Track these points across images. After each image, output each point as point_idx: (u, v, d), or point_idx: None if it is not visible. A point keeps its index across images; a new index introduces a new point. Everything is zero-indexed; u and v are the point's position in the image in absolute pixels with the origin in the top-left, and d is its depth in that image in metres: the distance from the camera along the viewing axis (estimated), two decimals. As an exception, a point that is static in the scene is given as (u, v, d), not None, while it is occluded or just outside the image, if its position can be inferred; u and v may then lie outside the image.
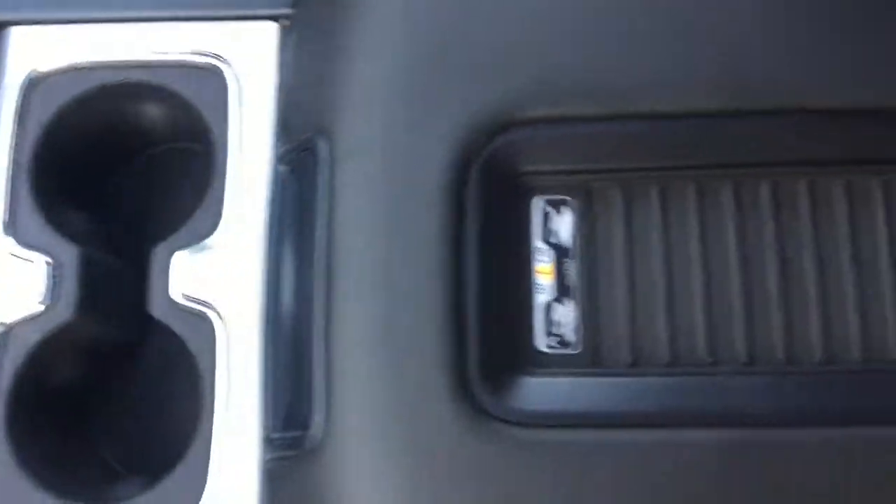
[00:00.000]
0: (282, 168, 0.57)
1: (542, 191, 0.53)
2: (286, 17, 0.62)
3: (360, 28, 0.55)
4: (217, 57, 0.64)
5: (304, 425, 0.50)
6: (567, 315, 0.52)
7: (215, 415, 0.55)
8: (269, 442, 0.53)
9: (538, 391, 0.50)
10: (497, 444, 0.48)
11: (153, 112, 0.66)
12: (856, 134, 0.53)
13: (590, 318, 0.52)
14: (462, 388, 0.48)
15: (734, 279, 0.52)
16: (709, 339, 0.51)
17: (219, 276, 0.58)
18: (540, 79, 0.53)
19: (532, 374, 0.50)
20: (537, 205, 0.53)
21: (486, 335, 0.49)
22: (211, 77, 0.63)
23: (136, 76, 0.63)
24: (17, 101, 0.61)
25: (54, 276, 0.57)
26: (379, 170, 0.51)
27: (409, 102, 0.52)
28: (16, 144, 0.61)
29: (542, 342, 0.52)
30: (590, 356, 0.51)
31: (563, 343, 0.52)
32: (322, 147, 0.53)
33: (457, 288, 0.50)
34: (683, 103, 0.52)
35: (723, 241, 0.53)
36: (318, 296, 0.50)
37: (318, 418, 0.49)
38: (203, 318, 0.57)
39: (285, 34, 0.62)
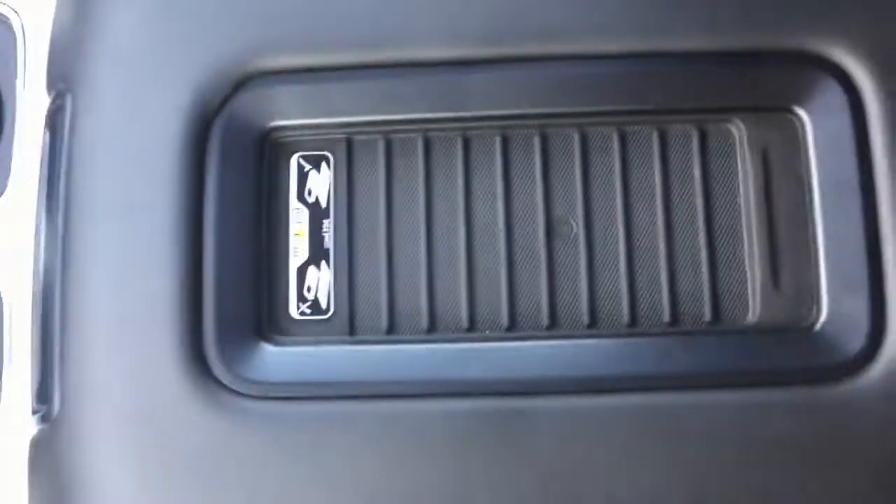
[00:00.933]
0: (45, 125, 0.54)
1: (299, 147, 0.50)
2: (65, -40, 0.58)
3: None
4: (6, 5, 0.60)
5: (50, 398, 0.48)
6: (322, 279, 0.49)
7: (3, 388, 0.54)
8: (33, 414, 0.51)
9: (281, 360, 0.48)
10: (231, 417, 0.46)
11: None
12: (629, 82, 0.48)
13: (345, 282, 0.49)
14: (196, 358, 0.46)
15: (499, 240, 0.49)
16: (470, 303, 0.48)
17: (4, 242, 0.56)
18: (282, 26, 0.49)
19: (276, 342, 0.48)
20: (294, 162, 0.50)
21: (226, 302, 0.47)
22: (1, 27, 0.60)
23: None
24: None
25: None
26: (115, 127, 0.49)
27: (147, 57, 0.49)
28: None
29: (293, 308, 0.49)
30: (344, 322, 0.49)
31: (316, 308, 0.49)
32: (67, 102, 0.50)
33: (194, 253, 0.47)
34: (442, 51, 0.48)
35: (489, 200, 0.49)
36: (58, 262, 0.49)
37: (56, 391, 0.48)
38: None
39: (62, -20, 0.58)
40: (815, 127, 0.47)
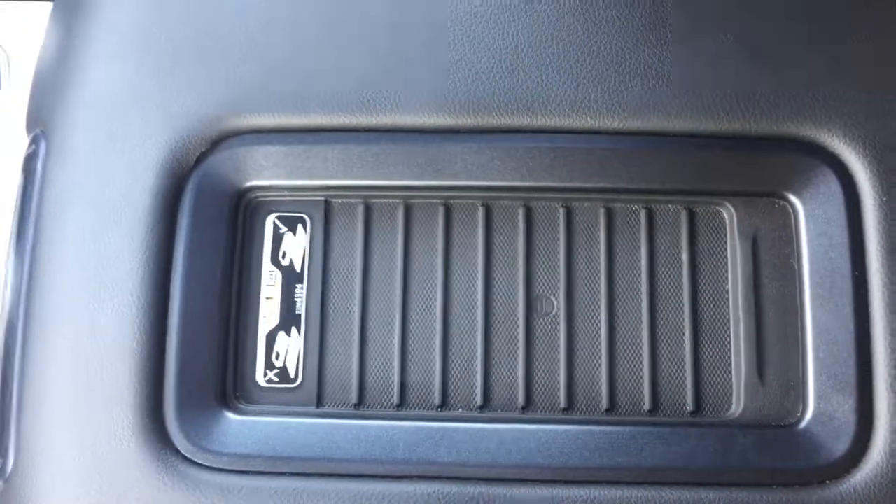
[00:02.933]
0: (21, 167, 0.53)
1: (275, 207, 0.49)
2: (54, -2, 0.57)
3: (91, 30, 0.50)
4: (-8, 39, 0.59)
5: (5, 453, 0.47)
6: (291, 346, 0.48)
7: None
8: (-9, 466, 0.50)
9: (244, 431, 0.46)
10: (186, 489, 0.44)
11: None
12: (618, 159, 0.46)
13: (315, 351, 0.47)
14: (154, 423, 0.45)
15: (477, 315, 0.47)
16: (443, 379, 0.47)
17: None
18: (264, 84, 0.47)
19: (240, 410, 0.47)
20: (269, 223, 0.49)
21: (189, 365, 0.46)
22: (-15, 61, 0.59)
23: None
24: None
25: None
26: (86, 178, 0.47)
27: (124, 109, 0.48)
28: None
29: (259, 375, 0.47)
30: (311, 393, 0.47)
31: (284, 377, 0.47)
32: (42, 146, 0.49)
33: (159, 312, 0.46)
34: (428, 118, 0.47)
35: (468, 272, 0.48)
36: (20, 315, 0.47)
37: (10, 448, 0.46)
38: None
39: (51, 16, 0.57)
40: (808, 215, 0.45)
